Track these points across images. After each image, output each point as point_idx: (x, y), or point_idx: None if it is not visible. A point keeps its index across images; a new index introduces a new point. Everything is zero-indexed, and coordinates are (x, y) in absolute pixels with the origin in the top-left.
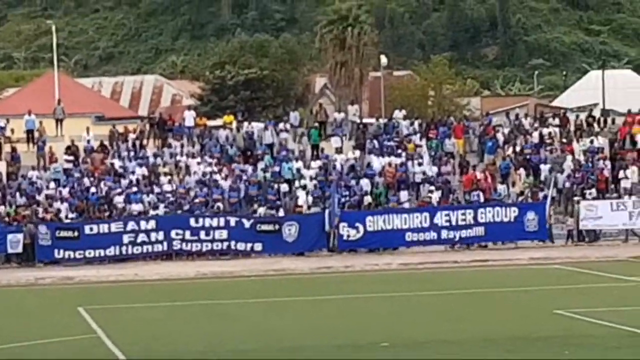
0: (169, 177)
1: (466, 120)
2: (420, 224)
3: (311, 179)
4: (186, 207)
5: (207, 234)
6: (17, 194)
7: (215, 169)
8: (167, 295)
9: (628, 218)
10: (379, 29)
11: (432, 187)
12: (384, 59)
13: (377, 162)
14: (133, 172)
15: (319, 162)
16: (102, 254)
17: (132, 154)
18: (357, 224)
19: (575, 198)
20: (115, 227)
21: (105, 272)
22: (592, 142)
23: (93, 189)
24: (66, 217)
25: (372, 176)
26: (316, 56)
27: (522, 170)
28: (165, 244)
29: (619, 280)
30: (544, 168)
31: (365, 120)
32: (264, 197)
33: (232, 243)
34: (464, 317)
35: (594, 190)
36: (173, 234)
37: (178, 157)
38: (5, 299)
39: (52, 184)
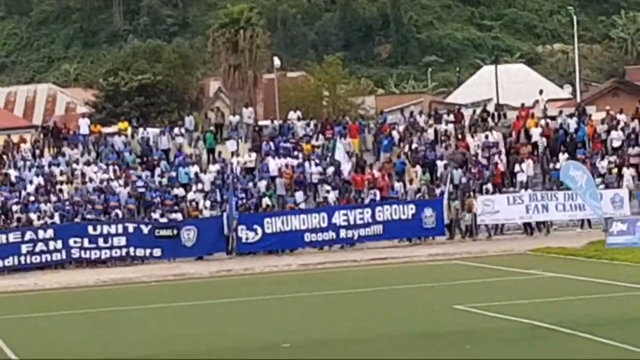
0: (65, 185)
1: (361, 119)
2: (319, 224)
3: (209, 183)
4: (84, 215)
5: (106, 241)
6: None
7: (112, 175)
8: (67, 304)
9: (525, 211)
10: (271, 30)
11: (329, 187)
12: (277, 61)
13: (273, 164)
14: (31, 182)
15: (215, 166)
16: (1, 265)
17: (28, 163)
18: (255, 227)
19: (471, 193)
20: (13, 237)
21: (3, 283)
22: (487, 137)
23: None
24: None
25: (270, 178)
26: (209, 60)
27: (418, 168)
28: (63, 252)
29: (517, 273)
30: (440, 164)
31: (260, 123)
32: (162, 203)
33: (131, 249)
34: (365, 315)
35: (490, 185)
36: (71, 242)
37: (74, 165)
38: None
39: None
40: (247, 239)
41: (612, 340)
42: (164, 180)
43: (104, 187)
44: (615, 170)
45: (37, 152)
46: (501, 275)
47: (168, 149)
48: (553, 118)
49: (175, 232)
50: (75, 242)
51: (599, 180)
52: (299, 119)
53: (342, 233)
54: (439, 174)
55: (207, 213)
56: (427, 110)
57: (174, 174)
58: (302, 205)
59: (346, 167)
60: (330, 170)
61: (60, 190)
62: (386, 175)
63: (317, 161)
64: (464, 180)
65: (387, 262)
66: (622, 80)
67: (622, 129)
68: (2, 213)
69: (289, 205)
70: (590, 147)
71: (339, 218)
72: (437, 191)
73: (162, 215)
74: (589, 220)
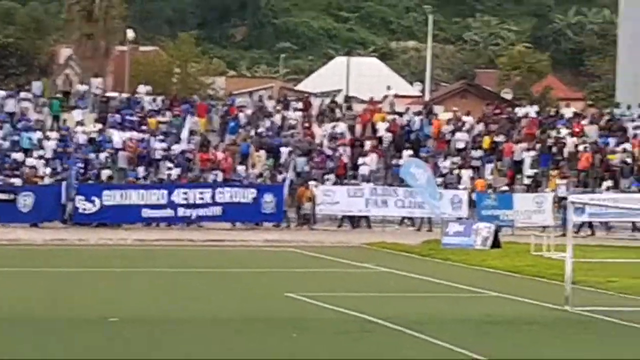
0: None
1: (210, 99)
2: (158, 200)
3: (50, 150)
4: None
5: None
6: None
7: None
8: None
9: (364, 205)
10: (127, 3)
11: (172, 164)
12: (130, 33)
13: (118, 137)
14: None
15: (59, 134)
16: None
17: None
18: (93, 198)
19: (312, 182)
20: None
21: None
22: (333, 127)
23: None
24: None
25: (113, 150)
26: (63, 27)
27: (262, 152)
28: None
29: (350, 266)
30: (284, 151)
31: (108, 94)
32: (2, 166)
33: None
34: (196, 295)
35: (332, 176)
36: None
37: None
38: None
39: None
40: (84, 209)
41: (438, 339)
42: (6, 144)
43: None
44: (456, 171)
45: None
46: (335, 267)
47: (13, 113)
48: (400, 114)
49: (12, 196)
50: None
51: (440, 179)
52: (147, 93)
53: (181, 211)
54: (282, 161)
55: (47, 180)
56: (276, 96)
57: (16, 137)
58: (142, 181)
59: (186, 146)
60: (175, 147)
61: None
62: (230, 158)
63: (162, 137)
64: (306, 168)
65: (224, 245)
66: (472, 83)
67: (468, 131)
68: None
69: (130, 179)
70: (434, 146)
71: (178, 196)
72: (280, 177)
73: (4, 178)
74: (429, 219)
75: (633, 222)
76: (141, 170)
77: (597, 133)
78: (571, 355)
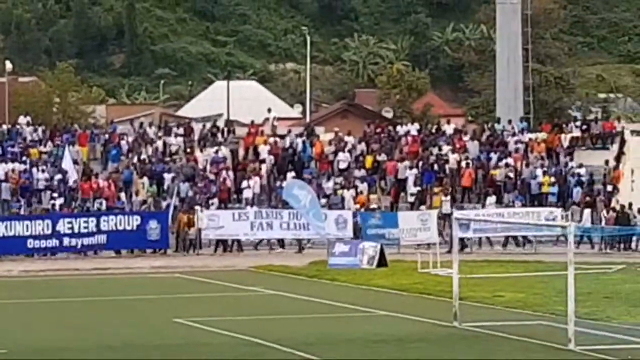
0: None
1: (94, 128)
2: (43, 231)
3: None
4: None
5: None
6: None
7: None
8: None
9: (249, 228)
10: (4, 34)
11: (55, 194)
12: (9, 65)
13: (0, 169)
14: None
15: None
16: None
17: None
18: None
19: (197, 207)
20: None
21: None
22: (216, 152)
23: None
24: None
25: None
26: None
27: (145, 179)
28: None
29: (238, 289)
30: (167, 177)
31: None
32: None
33: None
34: (84, 324)
35: (216, 200)
36: None
37: None
38: None
39: None
40: None
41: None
42: None
43: None
44: (340, 192)
45: None
46: (223, 291)
47: None
48: (282, 137)
49: None
50: None
51: (324, 200)
52: (28, 124)
53: (66, 241)
54: (166, 187)
55: None
56: (157, 122)
57: None
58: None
59: (72, 175)
60: (57, 177)
61: None
62: (112, 185)
63: (44, 167)
64: (190, 194)
65: (109, 273)
66: (352, 103)
67: (350, 151)
68: None
69: (13, 211)
70: (317, 167)
71: (63, 226)
72: (164, 204)
73: None
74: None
75: (517, 237)
76: (24, 201)
77: (479, 149)
78: None
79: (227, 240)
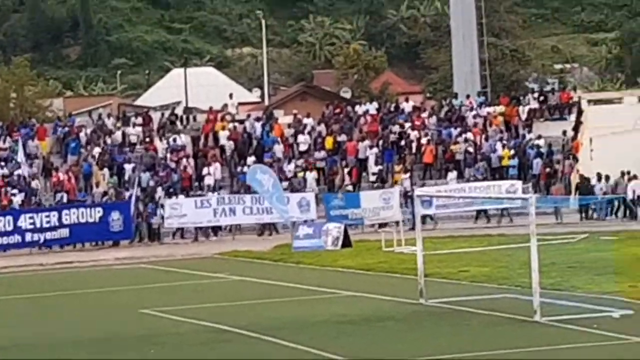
0: None
1: (58, 120)
2: (4, 227)
3: None
4: None
5: None
6: None
7: None
8: None
9: (212, 215)
10: None
11: (15, 190)
12: None
13: None
14: None
15: None
16: None
17: None
18: None
19: (158, 196)
20: None
21: None
22: (175, 140)
23: None
24: None
25: None
26: None
27: (106, 170)
28: None
29: (203, 277)
30: (128, 167)
31: None
32: None
33: None
34: (50, 319)
35: (178, 188)
36: None
37: None
38: None
39: None
40: None
41: (296, 343)
42: None
43: None
44: (301, 174)
45: None
46: (188, 279)
47: None
48: (241, 121)
49: None
50: None
51: (285, 183)
52: None
53: (28, 236)
54: (126, 177)
55: None
56: (115, 113)
57: None
58: None
59: (29, 170)
60: (17, 173)
61: None
62: (73, 178)
63: (3, 164)
64: (152, 183)
65: (74, 266)
66: (310, 85)
67: (309, 133)
68: None
69: None
70: (277, 151)
71: (25, 221)
72: (125, 194)
73: None
74: (274, 224)
75: (480, 210)
76: None
77: (438, 125)
78: (427, 347)
79: (192, 229)
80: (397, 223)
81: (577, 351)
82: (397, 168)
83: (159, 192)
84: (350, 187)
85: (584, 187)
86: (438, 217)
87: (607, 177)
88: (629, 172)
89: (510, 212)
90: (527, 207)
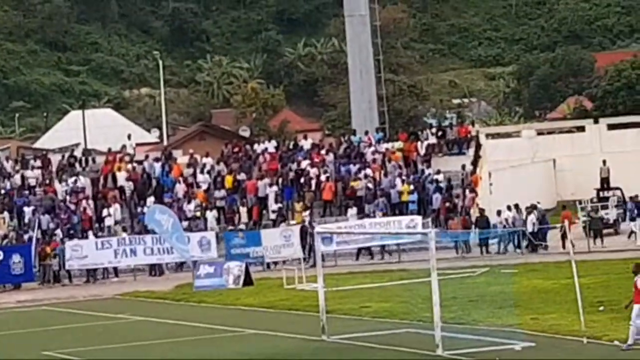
0: None
1: None
2: None
3: None
4: None
5: None
6: None
7: None
8: None
9: (114, 256)
10: None
11: None
12: None
13: None
14: None
15: None
16: None
17: None
18: None
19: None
20: None
21: None
22: (74, 182)
23: None
24: None
25: None
26: None
27: (6, 214)
28: None
29: (106, 318)
30: (28, 210)
31: None
32: None
33: None
34: None
35: (78, 230)
36: None
37: None
38: None
39: None
40: None
41: None
42: None
43: None
44: (200, 213)
45: None
46: (90, 320)
47: None
48: (140, 162)
49: None
50: None
51: (185, 223)
52: None
53: None
54: (26, 220)
55: None
56: (14, 156)
57: None
58: None
59: None
60: None
61: None
62: None
63: None
64: (52, 225)
65: None
66: (209, 124)
67: (209, 172)
68: None
69: None
70: (176, 191)
71: None
72: (26, 237)
73: None
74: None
75: (382, 246)
76: None
77: (337, 161)
78: None
79: (94, 270)
80: (298, 260)
81: None
82: (297, 206)
83: (59, 234)
84: (243, 226)
85: (483, 221)
86: (339, 253)
87: (515, 207)
88: (529, 206)
89: (407, 247)
90: (428, 242)
